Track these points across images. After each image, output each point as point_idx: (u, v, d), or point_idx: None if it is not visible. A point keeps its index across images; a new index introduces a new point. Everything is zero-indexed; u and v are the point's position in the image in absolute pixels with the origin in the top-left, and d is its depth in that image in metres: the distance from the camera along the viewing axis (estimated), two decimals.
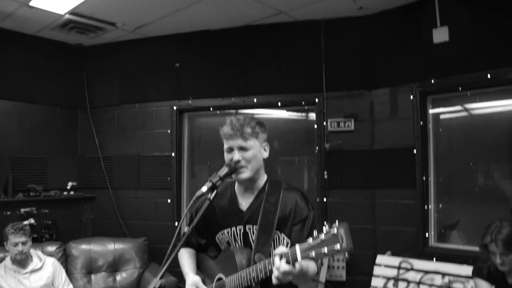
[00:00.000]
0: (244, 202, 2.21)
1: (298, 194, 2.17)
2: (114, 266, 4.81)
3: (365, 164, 4.59)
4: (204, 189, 1.94)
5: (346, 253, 1.64)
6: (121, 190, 5.38)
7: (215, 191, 1.98)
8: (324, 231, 1.66)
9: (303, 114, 5.07)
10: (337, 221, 1.65)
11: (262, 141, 2.19)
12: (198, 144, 5.38)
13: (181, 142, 5.27)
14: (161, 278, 1.79)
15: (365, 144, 4.60)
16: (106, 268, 4.78)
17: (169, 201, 5.14)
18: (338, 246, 1.60)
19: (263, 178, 2.23)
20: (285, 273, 1.76)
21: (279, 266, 1.76)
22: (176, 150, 5.19)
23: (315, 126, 4.72)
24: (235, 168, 2.09)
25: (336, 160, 4.66)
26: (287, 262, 1.75)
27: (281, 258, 1.78)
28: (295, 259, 1.72)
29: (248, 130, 2.12)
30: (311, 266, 1.94)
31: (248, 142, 2.11)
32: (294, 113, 5.12)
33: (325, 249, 1.63)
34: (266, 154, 2.20)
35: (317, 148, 4.70)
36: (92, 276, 4.75)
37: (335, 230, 1.63)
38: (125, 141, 5.41)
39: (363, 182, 4.59)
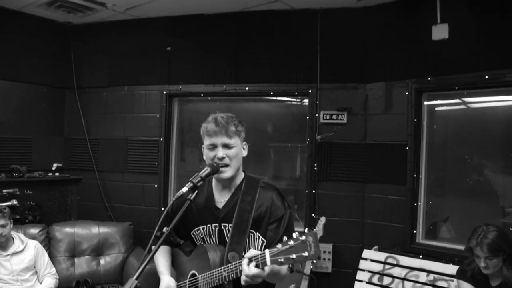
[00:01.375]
0: (221, 200, 2.20)
1: (275, 193, 2.17)
2: (98, 250, 4.74)
3: (356, 157, 4.54)
4: (184, 189, 1.91)
5: (314, 260, 1.71)
6: (108, 173, 5.26)
7: (195, 192, 1.94)
8: (294, 236, 1.70)
9: (299, 98, 4.95)
10: (306, 229, 1.70)
11: (242, 140, 2.20)
12: (188, 127, 5.25)
13: (170, 127, 5.17)
14: (137, 279, 1.71)
15: (357, 138, 4.53)
16: (90, 251, 4.71)
17: (156, 186, 5.06)
18: (306, 253, 1.67)
19: (240, 176, 2.23)
20: (254, 276, 1.80)
21: (248, 270, 1.79)
22: (164, 135, 5.08)
23: (307, 117, 4.64)
24: (217, 168, 2.08)
25: (327, 152, 4.60)
26: (257, 266, 1.78)
27: (250, 261, 1.81)
28: (264, 263, 1.76)
29: (232, 128, 2.11)
30: (283, 267, 1.94)
31: (232, 139, 2.11)
32: (290, 99, 5.03)
33: (294, 255, 1.68)
34: (245, 153, 2.21)
35: (308, 139, 4.64)
36: (76, 260, 4.67)
37: (303, 237, 1.68)
38: (112, 124, 5.27)
39: (353, 176, 4.55)
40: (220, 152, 2.10)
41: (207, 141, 2.14)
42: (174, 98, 5.19)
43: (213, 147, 2.12)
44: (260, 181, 2.22)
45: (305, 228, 1.74)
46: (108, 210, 5.26)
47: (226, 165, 2.11)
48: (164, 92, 5.09)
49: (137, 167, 5.19)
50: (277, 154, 5.08)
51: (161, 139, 5.09)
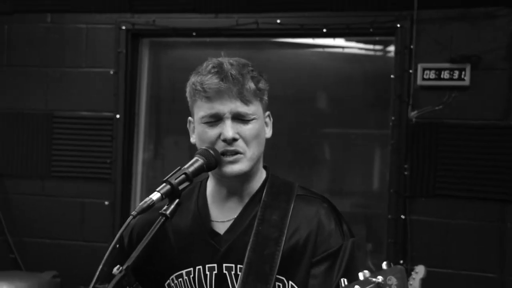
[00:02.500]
0: (222, 219, 1.98)
1: (324, 208, 1.97)
2: None
3: (488, 152, 4.12)
4: (155, 197, 1.66)
5: None
6: (14, 179, 4.86)
7: (176, 202, 1.72)
8: (362, 277, 1.50)
9: (377, 47, 4.72)
10: (385, 263, 1.52)
11: (265, 107, 2.00)
12: (169, 95, 4.94)
13: (135, 94, 4.79)
14: None
15: (492, 116, 4.12)
16: None
17: (107, 203, 4.64)
18: None
19: (260, 175, 2.02)
20: None
21: None
22: (124, 108, 4.65)
23: (392, 76, 4.30)
24: (217, 158, 1.85)
25: (430, 143, 4.24)
26: None
27: None
28: None
29: (251, 83, 1.89)
30: None
31: (250, 106, 1.89)
32: (359, 44, 4.82)
33: None
34: (269, 133, 2.02)
35: (393, 118, 4.29)
36: None
37: (380, 278, 1.49)
38: (24, 87, 4.83)
39: (481, 188, 4.12)
40: (230, 130, 1.86)
41: (202, 110, 1.91)
42: (143, 40, 4.86)
43: (215, 120, 1.88)
44: (295, 186, 2.03)
45: (383, 264, 1.55)
46: (12, 250, 4.83)
47: (238, 153, 1.89)
48: (124, 28, 4.68)
49: (71, 168, 4.77)
50: (335, 148, 4.81)
51: (118, 116, 4.65)
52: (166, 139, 4.98)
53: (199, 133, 1.94)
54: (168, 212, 1.70)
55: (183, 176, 1.75)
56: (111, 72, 4.67)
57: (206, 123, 1.89)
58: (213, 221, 1.99)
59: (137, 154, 4.85)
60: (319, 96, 4.83)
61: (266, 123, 2.00)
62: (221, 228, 1.97)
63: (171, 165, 4.48)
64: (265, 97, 1.97)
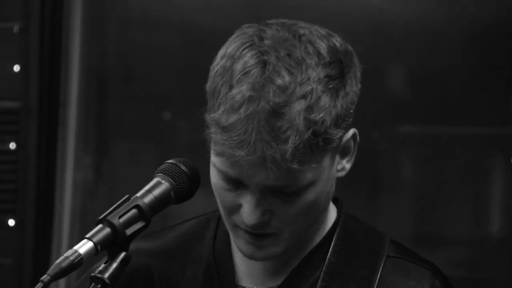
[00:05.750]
0: (255, 286, 1.58)
1: (432, 283, 1.51)
2: None
3: None
4: (84, 248, 1.18)
5: None
6: None
7: (121, 257, 1.27)
8: None
9: None
10: None
11: (344, 132, 1.44)
12: (123, 74, 4.04)
13: (60, 68, 3.88)
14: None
15: None
16: None
17: (12, 223, 4.06)
18: None
19: (323, 220, 1.54)
20: None
21: None
22: (40, 93, 3.89)
23: None
24: (192, 181, 1.48)
25: None
26: None
27: None
28: None
29: (304, 143, 1.36)
30: None
31: (298, 175, 1.37)
32: None
33: None
34: (346, 167, 1.47)
35: None
36: None
37: None
38: None
39: None
40: (253, 214, 1.40)
41: (217, 153, 1.44)
42: None
43: (235, 182, 1.42)
44: (386, 241, 1.48)
45: None
46: None
47: (262, 236, 1.44)
48: None
49: None
50: (421, 159, 4.02)
51: (28, 108, 3.96)
52: (115, 148, 4.03)
53: (212, 176, 1.44)
54: (106, 275, 1.19)
55: (133, 211, 1.26)
56: (16, 29, 3.83)
57: (222, 179, 1.40)
58: (239, 286, 1.49)
59: (63, 175, 3.90)
60: (391, 68, 3.67)
61: (344, 147, 1.38)
62: None
63: (124, 194, 3.86)
64: (348, 119, 1.34)
